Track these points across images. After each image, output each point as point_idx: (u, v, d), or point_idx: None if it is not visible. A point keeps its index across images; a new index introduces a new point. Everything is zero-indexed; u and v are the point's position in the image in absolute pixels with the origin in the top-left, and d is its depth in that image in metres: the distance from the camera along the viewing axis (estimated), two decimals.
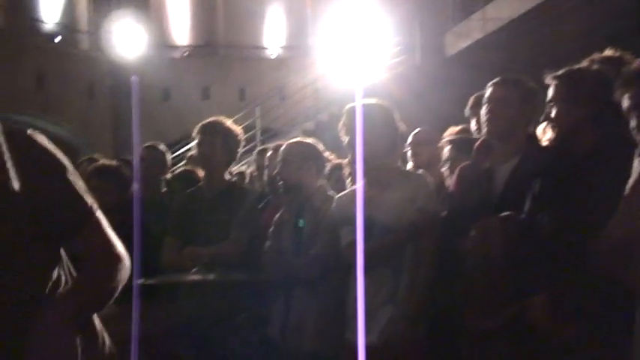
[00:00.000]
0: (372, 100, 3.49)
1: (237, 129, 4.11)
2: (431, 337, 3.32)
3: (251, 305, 3.76)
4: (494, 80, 3.24)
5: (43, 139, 1.68)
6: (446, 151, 3.85)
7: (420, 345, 3.29)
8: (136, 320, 1.05)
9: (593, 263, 2.53)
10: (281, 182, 3.80)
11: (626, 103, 2.46)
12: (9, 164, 1.57)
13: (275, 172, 3.87)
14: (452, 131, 4.28)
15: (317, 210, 3.71)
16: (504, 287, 2.95)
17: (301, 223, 3.69)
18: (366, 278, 3.31)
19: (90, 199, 1.74)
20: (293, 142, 3.95)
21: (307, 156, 3.78)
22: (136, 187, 3.97)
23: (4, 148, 1.58)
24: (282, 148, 3.90)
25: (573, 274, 2.70)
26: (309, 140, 3.99)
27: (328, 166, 4.33)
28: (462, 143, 3.78)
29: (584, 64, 3.22)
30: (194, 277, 3.72)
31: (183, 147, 12.29)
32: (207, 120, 4.10)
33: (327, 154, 3.97)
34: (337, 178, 4.33)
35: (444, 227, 3.33)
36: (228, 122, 4.12)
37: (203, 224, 3.94)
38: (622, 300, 2.53)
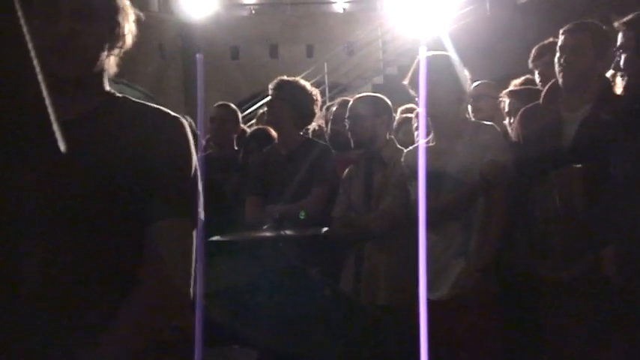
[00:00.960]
0: (438, 52, 3.46)
1: (309, 87, 4.12)
2: (504, 291, 3.29)
3: (323, 259, 3.81)
4: (567, 27, 3.11)
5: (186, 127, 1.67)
6: (507, 103, 3.78)
7: (492, 298, 3.25)
8: (200, 279, 1.05)
9: None
10: (352, 137, 3.81)
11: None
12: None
13: (346, 127, 3.88)
14: (515, 84, 4.18)
15: (386, 164, 3.73)
16: (581, 237, 2.92)
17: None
18: (436, 233, 3.33)
19: (196, 206, 1.64)
20: (361, 97, 3.96)
21: (377, 110, 3.78)
22: (200, 145, 4.03)
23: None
24: (351, 103, 3.91)
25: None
26: (377, 95, 3.99)
27: (396, 120, 4.33)
28: (524, 94, 3.70)
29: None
30: (268, 233, 3.78)
31: (253, 105, 12.42)
32: (276, 80, 4.12)
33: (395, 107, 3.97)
34: (405, 132, 4.33)
35: (513, 174, 3.28)
36: (299, 81, 4.14)
37: (281, 182, 3.99)
38: None
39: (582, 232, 2.91)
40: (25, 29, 0.88)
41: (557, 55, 3.12)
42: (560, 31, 3.14)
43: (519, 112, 3.38)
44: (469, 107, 4.06)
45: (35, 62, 0.90)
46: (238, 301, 3.61)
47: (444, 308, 3.06)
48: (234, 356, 3.11)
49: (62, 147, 0.94)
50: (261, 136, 4.55)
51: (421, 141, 3.35)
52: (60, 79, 1.54)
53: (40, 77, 0.91)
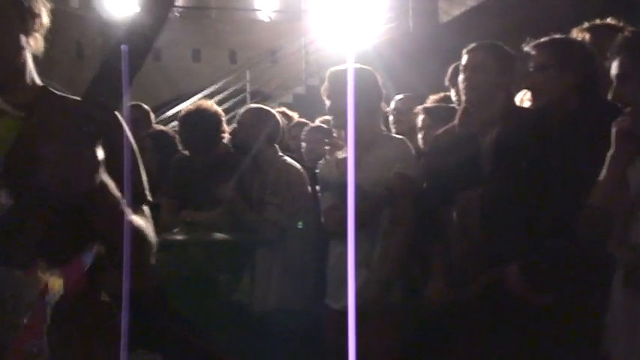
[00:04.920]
0: (356, 65, 3.47)
1: (216, 112, 4.13)
2: (406, 306, 3.31)
3: (231, 267, 3.81)
4: (470, 47, 3.14)
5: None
6: (420, 119, 3.82)
7: (394, 312, 3.28)
8: (127, 276, 1.01)
9: (574, 232, 2.53)
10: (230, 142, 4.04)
11: (614, 70, 2.44)
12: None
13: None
14: (432, 100, 4.24)
15: (262, 170, 3.88)
16: (480, 256, 2.96)
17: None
18: (341, 244, 3.35)
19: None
20: (248, 107, 4.21)
21: (256, 119, 3.93)
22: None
23: None
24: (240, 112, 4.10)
25: (550, 242, 2.71)
26: (262, 106, 4.18)
27: (306, 129, 4.41)
28: (436, 111, 3.75)
29: (577, 31, 3.20)
30: (177, 236, 3.75)
31: (173, 107, 12.25)
32: (187, 111, 4.17)
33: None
34: (309, 140, 4.41)
35: (423, 194, 3.31)
36: (208, 106, 4.16)
37: (197, 188, 3.99)
38: (598, 270, 2.54)
39: (481, 251, 2.95)
40: None
41: (461, 74, 3.15)
42: (464, 51, 3.16)
43: (436, 134, 3.40)
44: (390, 120, 4.10)
45: None
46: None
47: (346, 318, 3.05)
48: None
49: None
50: (159, 136, 4.50)
51: (350, 149, 3.37)
52: None
53: None
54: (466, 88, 3.10)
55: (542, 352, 2.76)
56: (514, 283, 2.80)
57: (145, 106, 5.03)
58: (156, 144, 4.37)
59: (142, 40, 1.32)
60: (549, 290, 2.78)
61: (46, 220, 1.33)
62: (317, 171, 3.62)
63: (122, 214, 1.45)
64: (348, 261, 0.83)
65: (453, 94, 3.90)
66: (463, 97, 3.15)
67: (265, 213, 3.76)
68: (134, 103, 5.02)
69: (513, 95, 3.26)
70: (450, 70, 3.93)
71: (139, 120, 4.88)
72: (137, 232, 1.58)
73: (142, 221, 1.63)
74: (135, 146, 1.64)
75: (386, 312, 3.23)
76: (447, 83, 3.98)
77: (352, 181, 0.85)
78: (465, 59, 3.14)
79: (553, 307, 2.77)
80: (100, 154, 1.34)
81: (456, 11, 11.55)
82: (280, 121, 4.08)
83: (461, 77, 3.14)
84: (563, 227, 2.62)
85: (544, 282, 2.78)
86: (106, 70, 1.32)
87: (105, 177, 1.39)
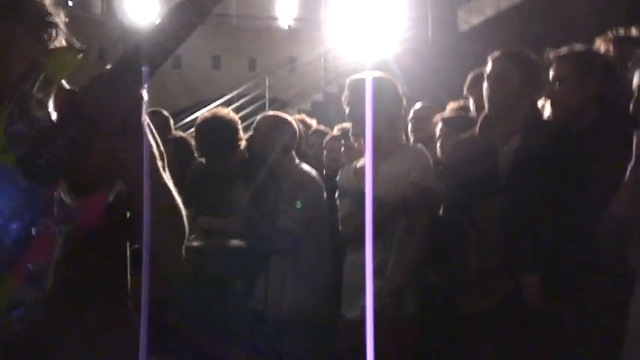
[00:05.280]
0: (377, 73, 3.47)
1: (232, 119, 4.14)
2: (423, 315, 3.30)
3: (246, 273, 3.81)
4: (495, 55, 3.13)
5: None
6: (438, 128, 3.82)
7: (408, 322, 3.26)
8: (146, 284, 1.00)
9: (593, 243, 2.52)
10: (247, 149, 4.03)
11: (636, 81, 2.42)
12: None
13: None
14: (451, 107, 4.23)
15: (277, 178, 3.85)
16: (499, 268, 2.95)
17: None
18: (356, 252, 3.34)
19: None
20: (265, 114, 4.15)
21: (273, 127, 3.90)
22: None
23: None
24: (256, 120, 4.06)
25: (569, 253, 2.70)
26: (280, 114, 4.13)
27: (327, 138, 4.40)
28: (454, 121, 3.74)
29: (600, 42, 3.19)
30: (194, 242, 3.76)
31: (192, 114, 12.30)
32: (204, 118, 4.19)
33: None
34: (331, 148, 4.40)
35: (442, 202, 3.30)
36: (224, 114, 4.17)
37: (214, 195, 4.00)
38: (617, 281, 2.52)
39: (499, 262, 2.94)
40: None
41: (485, 82, 3.14)
42: (489, 59, 3.16)
43: (455, 141, 3.39)
44: (409, 128, 4.10)
45: None
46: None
47: (359, 327, 3.05)
48: None
49: None
50: (179, 143, 4.52)
51: (367, 156, 3.37)
52: None
53: None
54: (489, 96, 3.10)
55: None
56: (533, 293, 2.79)
57: (165, 112, 5.05)
58: (176, 150, 4.40)
59: (160, 50, 1.34)
60: (568, 301, 2.76)
61: (79, 144, 1.35)
62: (337, 179, 3.62)
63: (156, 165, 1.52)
64: (366, 270, 0.83)
65: (471, 103, 3.90)
66: (486, 105, 3.14)
67: (279, 221, 3.74)
68: (154, 109, 5.04)
69: (537, 104, 3.22)
70: (468, 79, 3.92)
71: (159, 126, 4.91)
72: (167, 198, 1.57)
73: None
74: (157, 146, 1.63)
75: (399, 322, 3.21)
76: (465, 92, 3.98)
77: (370, 190, 0.85)
78: (489, 67, 3.13)
79: (571, 318, 2.76)
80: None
81: (475, 20, 11.52)
82: (298, 128, 4.08)
83: (485, 85, 3.13)
84: (583, 238, 2.61)
85: (563, 293, 2.76)
86: (123, 64, 1.35)
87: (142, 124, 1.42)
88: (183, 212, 1.62)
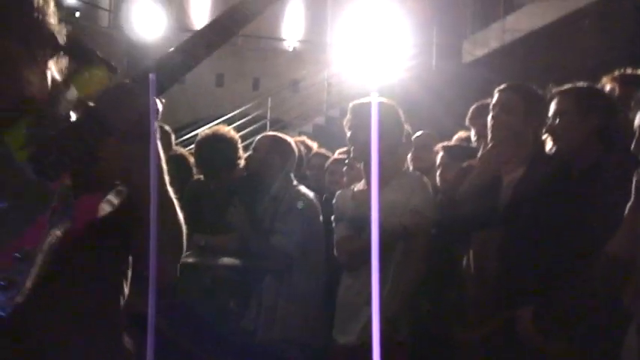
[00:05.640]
0: (380, 99, 3.48)
1: (232, 138, 4.16)
2: (415, 343, 3.28)
3: (240, 292, 3.80)
4: (500, 87, 3.16)
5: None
6: (439, 157, 3.83)
7: (401, 350, 3.24)
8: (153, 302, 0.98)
9: (590, 281, 2.51)
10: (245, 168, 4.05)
11: (637, 121, 2.43)
12: None
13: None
14: (457, 137, 4.25)
15: (275, 198, 3.85)
16: (494, 299, 2.94)
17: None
18: (351, 276, 3.33)
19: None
20: (264, 135, 4.18)
21: (271, 148, 3.91)
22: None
23: None
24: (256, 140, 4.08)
25: (564, 290, 2.69)
26: (280, 135, 4.14)
27: (329, 162, 4.40)
28: (455, 150, 3.75)
29: (606, 80, 3.20)
30: (189, 259, 3.75)
31: (193, 130, 12.32)
32: (204, 135, 4.21)
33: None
34: (333, 172, 4.41)
35: (442, 231, 3.30)
36: (224, 132, 4.20)
37: (210, 213, 4.01)
38: (612, 320, 2.52)
39: (495, 293, 2.93)
40: None
41: (490, 113, 3.16)
42: (495, 91, 3.18)
43: (458, 170, 3.40)
44: (409, 156, 4.11)
45: None
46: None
47: (352, 354, 3.04)
48: None
49: None
50: (178, 160, 4.52)
51: (373, 180, 3.36)
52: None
53: None
54: (493, 127, 3.12)
55: None
56: (526, 327, 2.78)
57: (167, 127, 5.06)
58: (175, 167, 4.40)
59: (168, 76, 1.39)
60: (561, 337, 2.76)
61: (89, 144, 1.37)
62: (334, 202, 3.62)
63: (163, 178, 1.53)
64: (372, 296, 0.83)
65: (472, 133, 3.91)
66: (489, 136, 3.16)
67: (274, 241, 3.74)
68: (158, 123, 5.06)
69: (541, 137, 3.25)
70: (470, 110, 3.94)
71: (161, 141, 4.91)
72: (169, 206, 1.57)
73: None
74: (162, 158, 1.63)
75: (389, 349, 3.18)
76: (467, 123, 3.99)
77: (376, 217, 0.85)
78: (494, 98, 3.16)
79: (564, 354, 2.74)
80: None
81: (479, 52, 11.60)
82: (297, 150, 4.08)
83: (489, 116, 3.15)
84: (579, 276, 2.60)
85: (556, 329, 2.75)
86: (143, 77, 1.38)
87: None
88: (184, 228, 1.62)
